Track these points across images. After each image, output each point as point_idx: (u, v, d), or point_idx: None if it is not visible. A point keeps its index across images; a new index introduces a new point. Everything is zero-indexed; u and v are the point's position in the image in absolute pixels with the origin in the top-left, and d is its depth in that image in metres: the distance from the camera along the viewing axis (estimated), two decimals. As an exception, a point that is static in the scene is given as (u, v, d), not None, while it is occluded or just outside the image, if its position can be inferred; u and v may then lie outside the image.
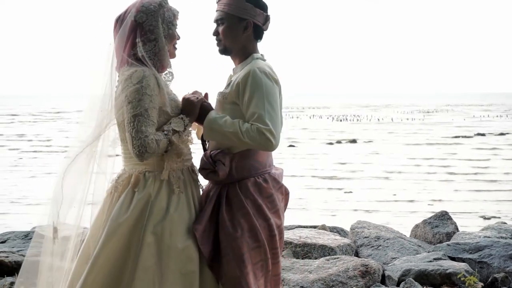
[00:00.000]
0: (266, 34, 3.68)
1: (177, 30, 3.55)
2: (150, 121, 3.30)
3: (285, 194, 3.69)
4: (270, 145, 3.35)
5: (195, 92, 3.57)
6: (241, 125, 3.36)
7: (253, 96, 3.39)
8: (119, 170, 3.52)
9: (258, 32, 3.61)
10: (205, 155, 3.50)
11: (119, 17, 3.50)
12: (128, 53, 3.43)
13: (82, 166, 3.48)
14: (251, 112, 3.38)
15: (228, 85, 3.56)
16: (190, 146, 3.57)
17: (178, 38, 3.56)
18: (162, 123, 3.40)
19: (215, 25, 3.63)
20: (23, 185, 16.21)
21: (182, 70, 3.68)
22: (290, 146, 27.33)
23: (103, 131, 3.48)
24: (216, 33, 3.62)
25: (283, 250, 6.47)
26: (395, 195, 14.89)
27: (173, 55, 3.57)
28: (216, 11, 3.62)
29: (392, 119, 49.98)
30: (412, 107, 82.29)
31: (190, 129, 3.45)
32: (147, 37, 3.44)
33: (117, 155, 3.57)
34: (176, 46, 3.58)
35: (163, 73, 3.52)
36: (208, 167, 3.46)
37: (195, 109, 3.47)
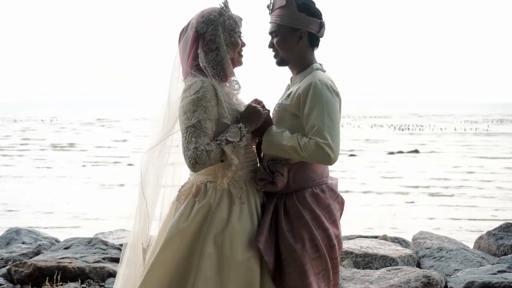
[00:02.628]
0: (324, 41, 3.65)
1: (241, 37, 3.53)
2: (203, 132, 3.29)
3: (341, 204, 3.65)
4: (329, 160, 3.33)
5: (256, 101, 3.55)
6: (299, 139, 3.34)
7: (313, 109, 3.37)
8: (185, 180, 3.56)
9: (313, 41, 3.58)
10: (262, 165, 3.49)
11: (182, 30, 3.54)
12: (191, 64, 3.46)
13: (153, 179, 3.53)
14: (311, 125, 3.35)
15: (288, 96, 3.54)
16: (253, 156, 3.55)
17: (243, 45, 3.55)
18: (219, 134, 3.37)
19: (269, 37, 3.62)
20: (92, 197, 16.51)
21: (243, 79, 3.67)
22: (351, 155, 27.15)
23: (163, 139, 3.51)
24: (271, 45, 3.60)
25: (342, 260, 6.43)
26: (458, 206, 14.63)
27: (239, 63, 3.56)
28: (270, 23, 3.60)
29: (455, 129, 49.14)
30: (476, 116, 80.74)
31: (246, 139, 3.39)
32: (208, 47, 3.45)
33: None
34: (242, 53, 3.56)
35: (228, 83, 3.52)
36: (266, 177, 3.45)
37: (259, 119, 3.44)
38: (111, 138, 38.39)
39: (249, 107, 3.45)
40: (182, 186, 3.51)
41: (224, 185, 3.39)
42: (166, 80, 3.60)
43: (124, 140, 36.85)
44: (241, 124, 3.38)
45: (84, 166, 23.44)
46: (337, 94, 3.47)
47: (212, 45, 3.45)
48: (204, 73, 3.41)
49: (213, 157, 3.29)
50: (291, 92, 3.54)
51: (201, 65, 3.43)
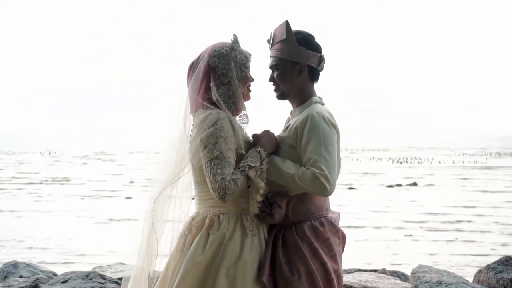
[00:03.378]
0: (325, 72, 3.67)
1: (250, 72, 3.57)
2: (227, 162, 3.30)
3: (342, 238, 3.64)
4: (324, 191, 3.33)
5: (268, 131, 3.56)
6: (298, 168, 3.36)
7: (310, 141, 3.39)
8: (192, 213, 3.56)
9: (313, 74, 3.61)
10: None
11: (192, 63, 3.56)
12: (203, 97, 3.48)
13: (159, 214, 3.54)
14: (308, 157, 3.37)
15: (287, 128, 3.57)
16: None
17: (252, 80, 3.58)
18: (237, 164, 3.39)
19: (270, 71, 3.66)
20: (89, 231, 16.44)
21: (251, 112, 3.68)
22: (350, 188, 27.11)
23: (179, 175, 3.53)
24: (272, 79, 3.63)
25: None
26: (456, 239, 14.57)
27: (247, 98, 3.59)
28: (270, 57, 3.64)
29: (453, 162, 49.14)
30: (473, 149, 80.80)
31: (266, 162, 3.40)
32: (220, 80, 3.48)
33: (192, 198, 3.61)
34: (251, 88, 3.60)
35: (238, 116, 3.54)
36: (264, 209, 3.45)
37: (275, 144, 3.48)
38: (106, 172, 38.32)
39: (266, 132, 3.50)
40: (192, 219, 3.51)
41: (256, 210, 3.40)
42: (173, 113, 3.60)
43: (120, 174, 36.77)
44: (259, 148, 3.41)
45: (82, 199, 23.37)
46: (335, 127, 3.49)
47: (224, 79, 3.48)
48: (216, 105, 3.44)
49: (240, 184, 3.30)
50: (289, 124, 3.57)
51: (213, 98, 3.45)
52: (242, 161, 3.37)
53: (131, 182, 30.37)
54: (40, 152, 68.38)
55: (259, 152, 3.39)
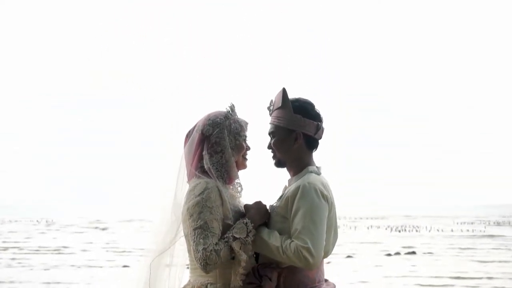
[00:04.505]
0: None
1: (246, 140, 3.58)
2: (210, 232, 3.28)
3: None
4: (307, 264, 3.29)
5: (259, 203, 3.53)
6: (283, 241, 3.33)
7: (298, 212, 3.36)
8: (185, 282, 3.54)
9: (310, 143, 3.61)
10: (252, 268, 3.44)
11: (189, 132, 3.61)
12: (196, 166, 3.49)
13: (157, 280, 3.53)
14: (294, 228, 3.34)
15: (280, 197, 3.54)
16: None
17: (248, 149, 3.61)
18: (224, 234, 3.37)
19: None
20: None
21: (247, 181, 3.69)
22: (348, 257, 26.86)
23: (173, 243, 3.52)
24: (269, 146, 3.64)
25: None
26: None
27: (243, 166, 3.60)
28: (269, 124, 3.67)
29: (452, 230, 48.85)
30: (469, 218, 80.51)
31: (253, 234, 3.37)
32: (213, 149, 3.49)
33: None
34: (247, 157, 3.61)
35: (232, 185, 3.54)
36: (254, 281, 3.41)
37: (265, 216, 3.45)
38: (101, 240, 38.02)
39: (257, 203, 3.47)
40: None
41: (238, 283, 3.35)
42: (171, 181, 3.61)
43: (114, 241, 36.49)
44: (246, 219, 3.38)
45: (79, 268, 23.11)
46: (326, 198, 3.45)
47: (217, 147, 3.49)
48: (208, 174, 3.44)
49: (222, 255, 3.27)
50: (283, 194, 3.54)
51: (205, 167, 3.47)
52: (228, 231, 3.34)
53: (127, 251, 30.09)
54: (37, 220, 67.93)
55: (246, 223, 3.36)
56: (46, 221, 65.96)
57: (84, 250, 30.85)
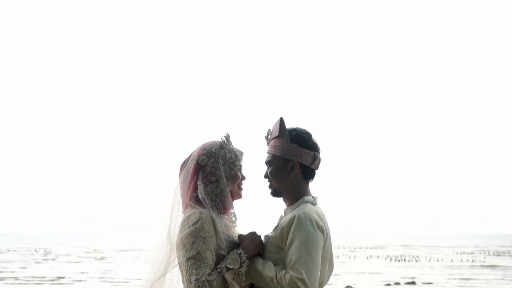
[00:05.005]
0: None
1: (242, 170, 3.56)
2: (203, 263, 3.25)
3: None
4: None
5: (254, 234, 3.50)
6: (278, 271, 3.30)
7: (293, 242, 3.34)
8: None
9: (307, 172, 3.60)
10: None
11: (184, 162, 3.60)
12: (190, 195, 3.48)
13: None
14: (289, 259, 3.31)
15: (276, 227, 3.51)
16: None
17: (243, 178, 3.60)
18: (218, 264, 3.34)
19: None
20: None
21: (242, 211, 3.66)
22: (348, 287, 26.69)
23: (166, 272, 3.49)
24: (266, 175, 3.61)
25: None
26: None
27: (238, 196, 3.59)
28: (266, 153, 3.65)
29: (451, 260, 48.64)
30: (469, 247, 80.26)
31: (247, 265, 3.34)
32: (208, 179, 3.48)
33: None
34: (242, 186, 3.58)
35: (226, 215, 3.52)
36: None
37: (260, 247, 3.41)
38: (99, 270, 37.82)
39: (251, 234, 3.44)
40: None
41: None
42: (166, 210, 3.59)
43: (111, 271, 36.30)
44: (240, 250, 3.35)
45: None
46: (322, 229, 3.42)
47: (212, 177, 3.47)
48: (203, 204, 3.42)
49: (215, 286, 3.24)
50: (278, 224, 3.52)
51: (199, 196, 3.45)
52: (221, 262, 3.31)
53: (123, 281, 29.88)
54: (36, 250, 67.71)
55: (239, 254, 3.33)
56: (44, 251, 65.69)
57: (80, 281, 30.64)
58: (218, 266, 3.30)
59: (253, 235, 3.44)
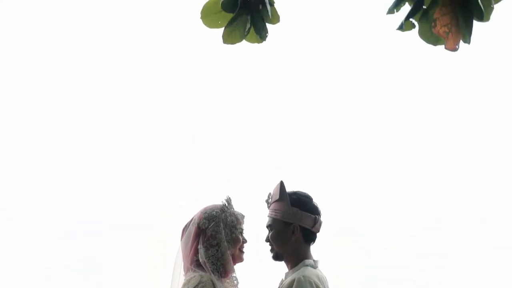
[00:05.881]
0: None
1: (243, 233, 3.57)
2: None
3: None
4: None
5: None
6: None
7: None
8: None
9: (308, 236, 3.59)
10: None
11: (185, 226, 3.62)
12: (191, 259, 3.49)
13: None
14: None
15: None
16: None
17: (245, 241, 3.60)
18: None
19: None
20: None
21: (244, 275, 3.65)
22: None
23: None
24: (267, 239, 3.62)
25: None
26: None
27: (240, 259, 3.59)
28: (267, 217, 3.65)
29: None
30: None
31: None
32: (209, 242, 3.48)
33: None
34: (244, 249, 3.59)
35: (228, 279, 3.51)
36: None
37: None
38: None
39: None
40: None
41: None
42: (168, 275, 3.60)
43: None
44: None
45: None
46: None
47: (213, 240, 3.48)
48: (203, 268, 3.42)
49: None
50: (278, 287, 3.51)
51: (200, 260, 3.45)
52: None
53: None
54: None
55: None
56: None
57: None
58: None
59: None
